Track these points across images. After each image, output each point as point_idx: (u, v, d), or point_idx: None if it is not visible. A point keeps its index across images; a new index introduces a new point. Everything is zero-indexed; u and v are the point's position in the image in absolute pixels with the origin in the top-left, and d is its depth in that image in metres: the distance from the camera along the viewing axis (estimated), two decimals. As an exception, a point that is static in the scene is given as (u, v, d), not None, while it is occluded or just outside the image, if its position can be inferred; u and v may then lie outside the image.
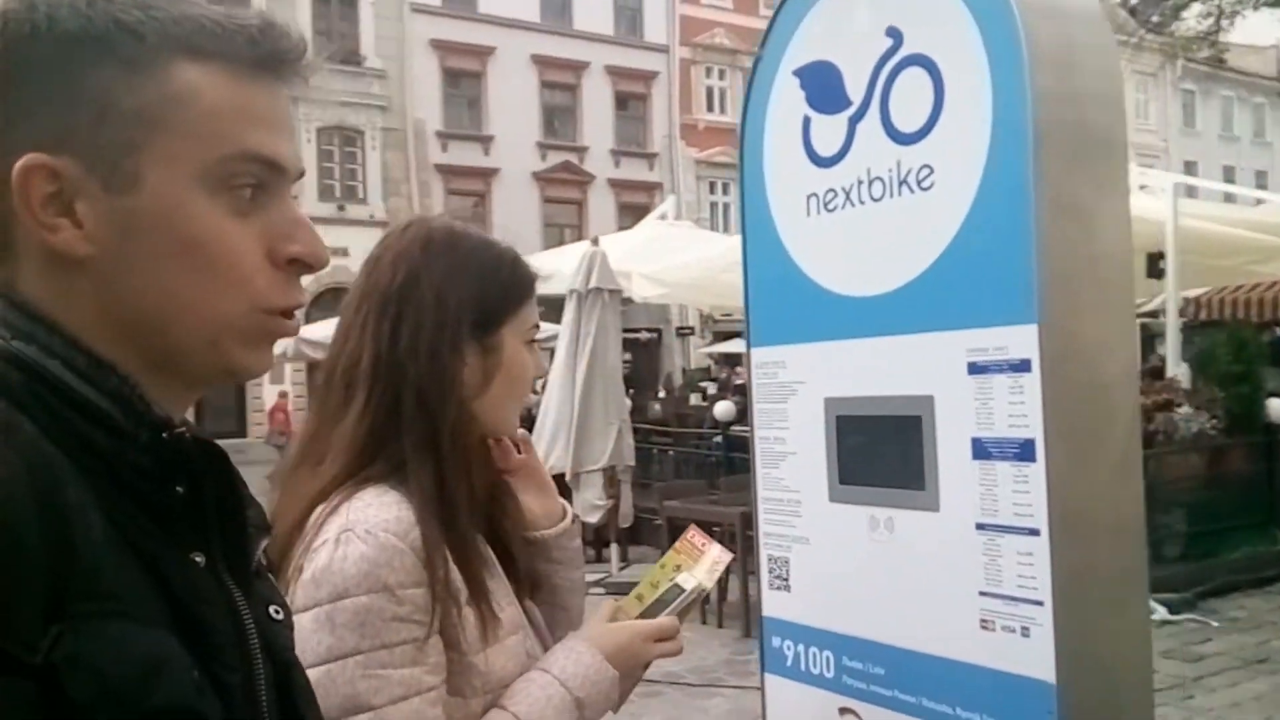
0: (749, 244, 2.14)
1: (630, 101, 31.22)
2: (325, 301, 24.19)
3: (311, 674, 1.14)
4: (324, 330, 11.84)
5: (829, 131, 1.94)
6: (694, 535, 1.56)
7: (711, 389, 19.68)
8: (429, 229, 1.36)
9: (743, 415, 13.34)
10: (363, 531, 1.18)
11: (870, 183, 1.86)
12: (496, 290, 1.35)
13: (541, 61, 28.98)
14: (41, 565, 0.59)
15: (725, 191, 31.36)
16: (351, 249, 24.75)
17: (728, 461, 10.16)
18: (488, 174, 27.93)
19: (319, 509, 1.22)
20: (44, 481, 0.61)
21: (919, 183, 1.77)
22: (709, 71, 31.96)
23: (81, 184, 0.69)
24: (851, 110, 1.89)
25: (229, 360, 0.75)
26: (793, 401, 2.02)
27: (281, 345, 10.95)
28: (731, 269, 7.13)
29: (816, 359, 1.97)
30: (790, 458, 2.04)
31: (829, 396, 1.95)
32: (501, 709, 1.25)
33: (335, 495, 1.22)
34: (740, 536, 7.02)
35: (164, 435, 0.70)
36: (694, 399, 18.21)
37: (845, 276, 1.91)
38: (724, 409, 10.85)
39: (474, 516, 1.32)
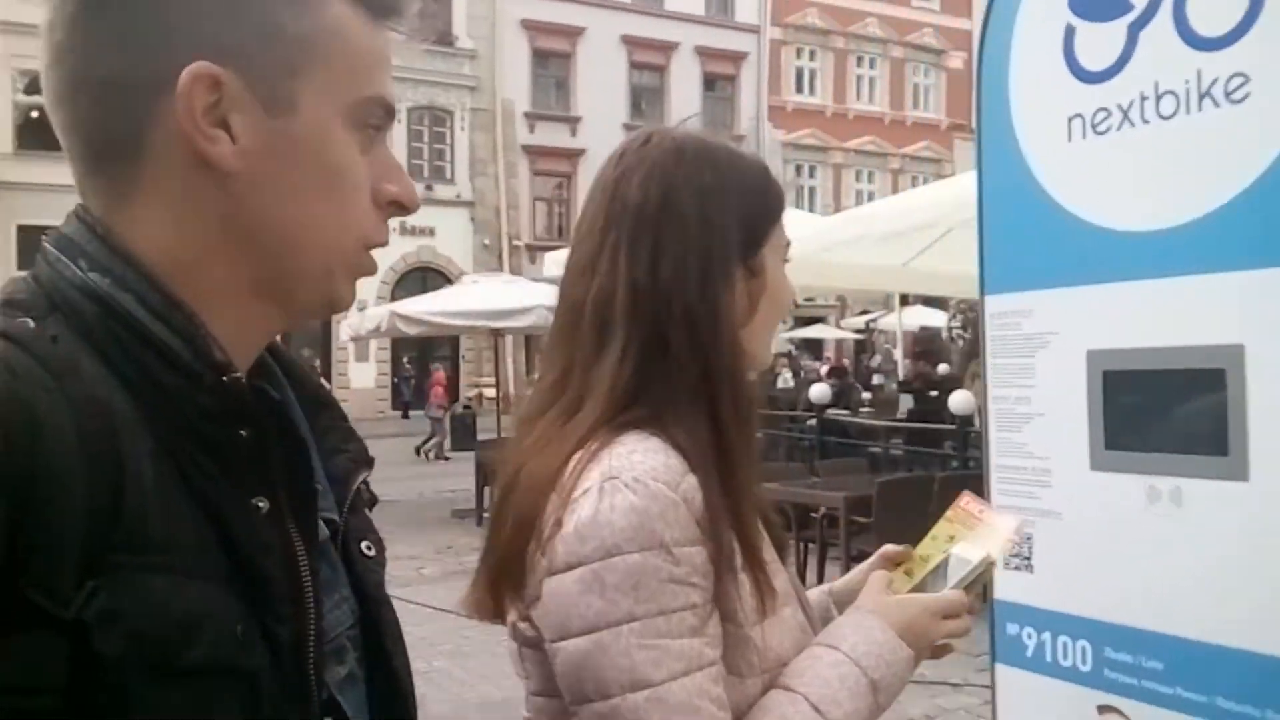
0: (986, 176, 1.89)
1: (718, 82, 30.88)
2: (412, 280, 24.46)
3: (580, 642, 0.99)
4: (415, 306, 11.83)
5: (1101, 41, 1.68)
6: (968, 502, 1.32)
7: (787, 375, 19.42)
8: (677, 140, 1.17)
9: (838, 398, 13.12)
10: (630, 479, 1.01)
11: (1158, 98, 1.59)
12: (759, 204, 1.19)
13: (631, 42, 28.79)
14: (82, 518, 0.59)
15: (812, 175, 30.89)
16: (438, 229, 25.11)
17: (821, 445, 9.87)
18: (574, 155, 27.79)
19: (576, 456, 1.05)
20: (95, 429, 0.61)
21: (1227, 95, 1.50)
22: (799, 53, 31.47)
23: (240, 100, 0.70)
24: (1133, 15, 1.63)
25: (334, 290, 0.77)
26: (1042, 355, 1.77)
27: (375, 318, 10.76)
28: (817, 252, 6.84)
29: (1075, 306, 1.71)
30: (1037, 419, 1.79)
31: (1093, 349, 1.69)
32: (788, 690, 1.06)
33: (592, 441, 1.06)
34: (844, 522, 6.80)
35: (224, 379, 0.69)
36: (779, 383, 17.91)
37: (1121, 209, 1.65)
38: (819, 392, 10.59)
39: (753, 468, 1.15)
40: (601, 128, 28.00)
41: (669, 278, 1.10)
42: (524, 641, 1.10)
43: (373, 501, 0.89)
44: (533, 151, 27.83)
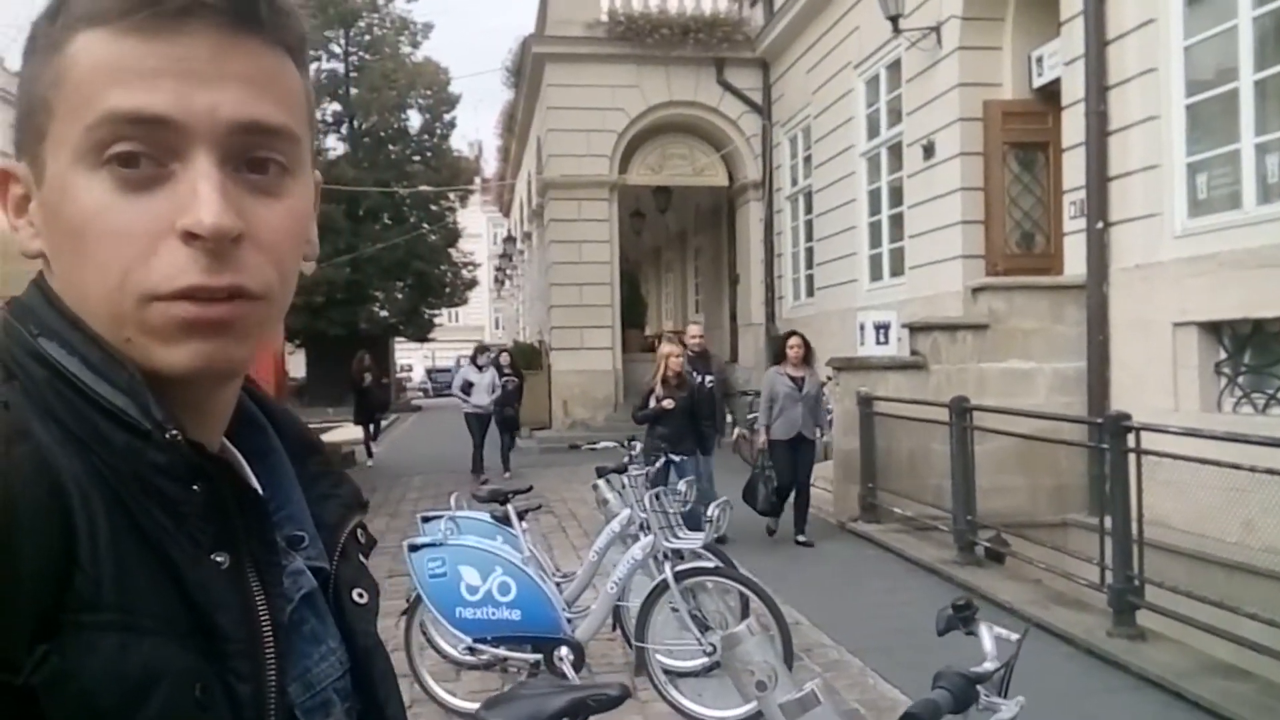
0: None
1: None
2: None
3: None
4: None
5: None
6: None
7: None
8: None
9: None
10: None
11: None
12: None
13: None
14: (31, 585, 0.58)
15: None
16: None
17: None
18: None
19: None
20: (43, 493, 0.61)
21: None
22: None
23: (31, 185, 0.71)
24: None
25: (148, 357, 0.69)
26: None
27: None
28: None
29: None
30: None
31: None
32: None
33: None
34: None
35: (166, 435, 0.67)
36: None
37: None
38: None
39: None
40: None
41: None
42: None
43: (370, 545, 0.89)
44: None
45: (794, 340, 9.31)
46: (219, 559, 0.69)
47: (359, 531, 0.86)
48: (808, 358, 9.23)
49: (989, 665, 1.91)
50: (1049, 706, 5.01)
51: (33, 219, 0.72)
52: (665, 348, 8.95)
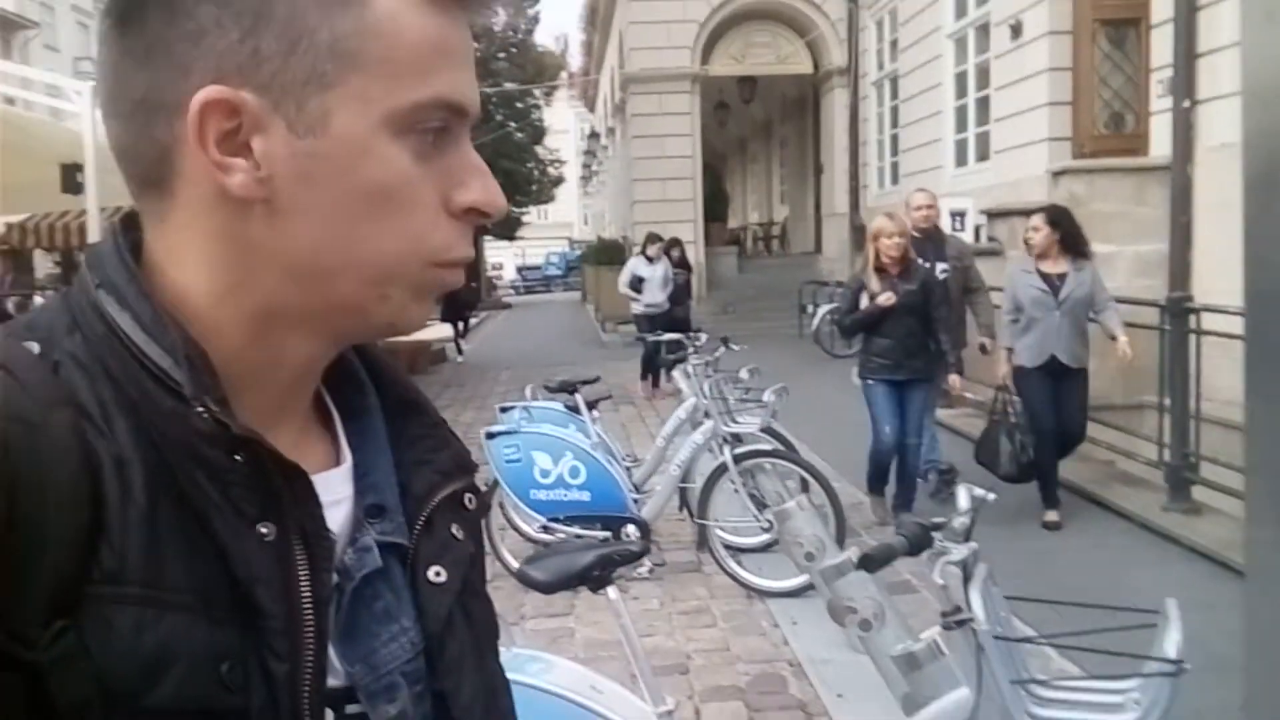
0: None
1: None
2: None
3: None
4: None
5: None
6: None
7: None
8: None
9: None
10: None
11: None
12: None
13: None
14: (52, 561, 0.57)
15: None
16: None
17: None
18: None
19: None
20: (74, 467, 0.59)
21: None
22: None
23: (263, 122, 0.64)
24: None
25: (396, 314, 0.71)
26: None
27: None
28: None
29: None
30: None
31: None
32: None
33: None
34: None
35: (198, 408, 0.64)
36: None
37: None
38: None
39: None
40: None
41: None
42: None
43: (481, 509, 0.83)
44: None
45: (1034, 221, 6.07)
46: (264, 530, 0.65)
47: (466, 497, 0.81)
48: (1069, 243, 5.96)
49: (956, 519, 2.15)
50: (1100, 577, 5.20)
51: (260, 161, 0.64)
52: (879, 222, 6.02)
